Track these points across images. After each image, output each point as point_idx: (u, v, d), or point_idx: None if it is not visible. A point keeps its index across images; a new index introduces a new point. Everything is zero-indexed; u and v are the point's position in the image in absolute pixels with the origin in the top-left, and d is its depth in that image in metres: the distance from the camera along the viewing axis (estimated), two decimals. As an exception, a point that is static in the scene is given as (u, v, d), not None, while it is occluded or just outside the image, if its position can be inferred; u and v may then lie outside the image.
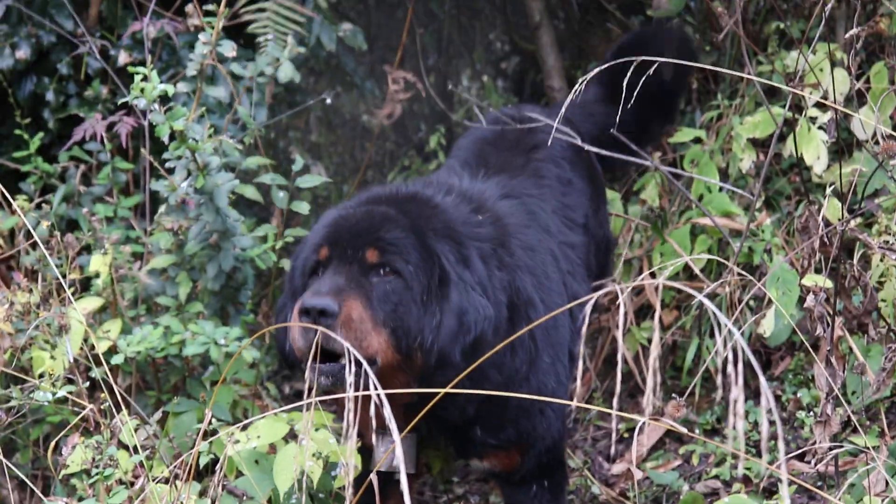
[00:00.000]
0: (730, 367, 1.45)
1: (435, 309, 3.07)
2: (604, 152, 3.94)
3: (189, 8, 4.27)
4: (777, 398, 4.39)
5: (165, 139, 3.65)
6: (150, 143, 4.21)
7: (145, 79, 3.62)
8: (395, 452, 3.29)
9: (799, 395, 4.23)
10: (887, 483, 3.50)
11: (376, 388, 2.25)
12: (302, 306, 2.86)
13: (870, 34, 4.46)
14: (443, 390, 2.67)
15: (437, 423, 3.25)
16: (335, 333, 2.79)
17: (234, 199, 3.97)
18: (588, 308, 2.03)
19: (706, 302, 1.68)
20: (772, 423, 3.13)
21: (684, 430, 1.92)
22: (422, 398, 2.91)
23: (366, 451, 3.36)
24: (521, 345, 3.31)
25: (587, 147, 3.93)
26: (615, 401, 1.63)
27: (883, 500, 3.24)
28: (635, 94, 2.98)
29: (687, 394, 4.48)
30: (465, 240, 3.23)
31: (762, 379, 1.48)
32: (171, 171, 3.83)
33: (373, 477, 2.32)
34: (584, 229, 4.05)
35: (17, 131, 4.50)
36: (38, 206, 4.36)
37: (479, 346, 3.09)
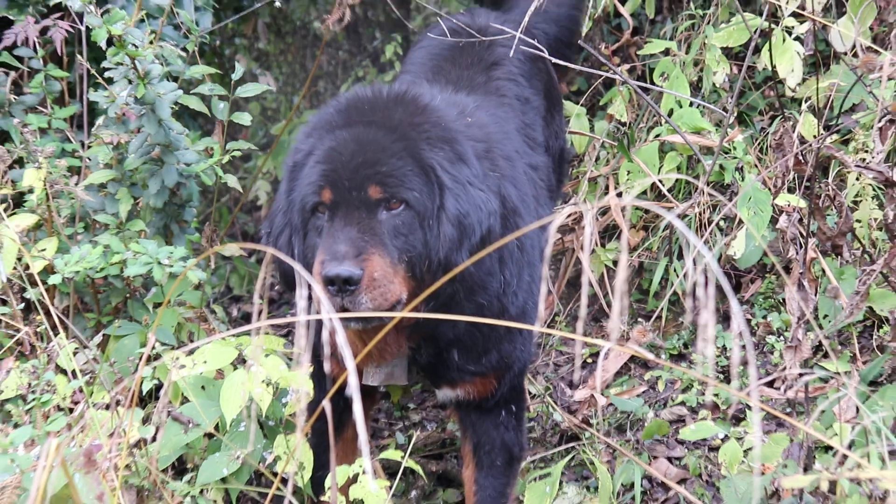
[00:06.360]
0: (699, 290, 1.45)
1: (435, 224, 3.13)
2: (570, 66, 3.94)
3: None
4: (747, 322, 4.43)
5: (103, 44, 3.58)
6: (86, 49, 4.12)
7: (80, -22, 3.54)
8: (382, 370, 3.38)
9: (769, 319, 4.28)
10: (858, 409, 3.57)
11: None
12: (325, 275, 2.92)
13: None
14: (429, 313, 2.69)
15: (429, 344, 3.34)
16: (360, 298, 2.94)
17: (177, 111, 3.92)
18: (552, 229, 2.04)
19: (677, 222, 1.68)
20: (742, 347, 3.18)
21: (650, 356, 1.94)
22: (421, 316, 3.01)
23: (318, 378, 3.37)
24: (511, 256, 3.35)
25: (554, 60, 3.91)
26: (579, 325, 1.63)
27: (853, 427, 3.30)
28: None
29: (654, 318, 4.53)
30: (460, 136, 3.25)
31: (733, 302, 1.48)
32: (109, 81, 3.76)
33: (325, 404, 2.32)
34: (544, 148, 4.11)
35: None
36: (-35, 117, 4.27)
37: (487, 245, 3.14)
